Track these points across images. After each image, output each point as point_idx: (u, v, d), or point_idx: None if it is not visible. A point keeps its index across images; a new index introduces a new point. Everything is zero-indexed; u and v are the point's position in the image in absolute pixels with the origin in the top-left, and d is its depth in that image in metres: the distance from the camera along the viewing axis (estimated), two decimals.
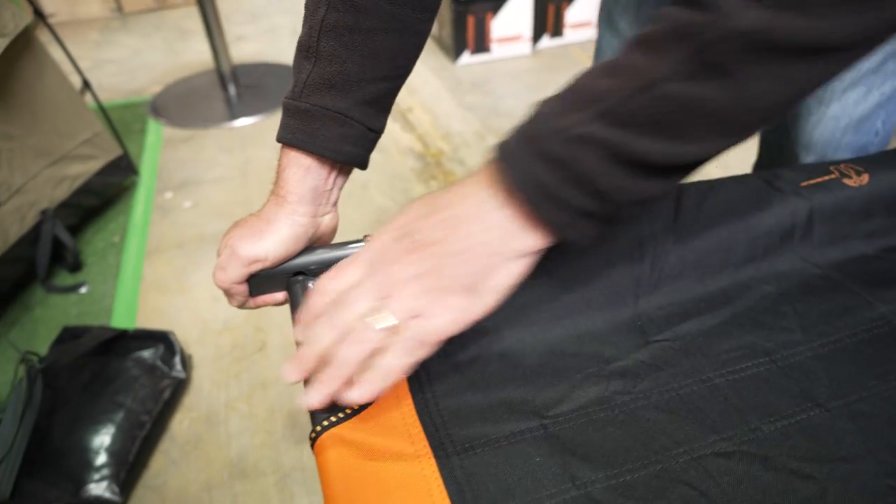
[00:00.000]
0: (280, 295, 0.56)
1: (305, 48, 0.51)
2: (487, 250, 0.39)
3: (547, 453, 0.40)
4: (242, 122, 2.11)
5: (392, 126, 2.01)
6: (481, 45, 2.41)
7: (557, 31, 2.51)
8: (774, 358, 0.47)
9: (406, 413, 0.43)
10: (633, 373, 0.46)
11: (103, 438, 1.01)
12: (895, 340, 0.47)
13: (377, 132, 0.54)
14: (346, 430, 0.40)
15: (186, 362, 1.17)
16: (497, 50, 2.44)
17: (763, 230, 0.55)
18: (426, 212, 0.41)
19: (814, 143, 0.73)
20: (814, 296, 0.52)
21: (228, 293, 0.52)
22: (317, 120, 0.50)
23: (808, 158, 0.74)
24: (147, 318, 1.32)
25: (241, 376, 1.18)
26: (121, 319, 1.32)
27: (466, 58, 2.42)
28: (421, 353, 0.40)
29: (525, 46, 2.46)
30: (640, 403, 0.44)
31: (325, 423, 0.41)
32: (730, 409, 0.43)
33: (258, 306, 0.56)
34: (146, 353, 1.14)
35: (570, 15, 2.48)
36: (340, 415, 0.41)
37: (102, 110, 1.62)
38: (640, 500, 0.37)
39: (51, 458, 0.97)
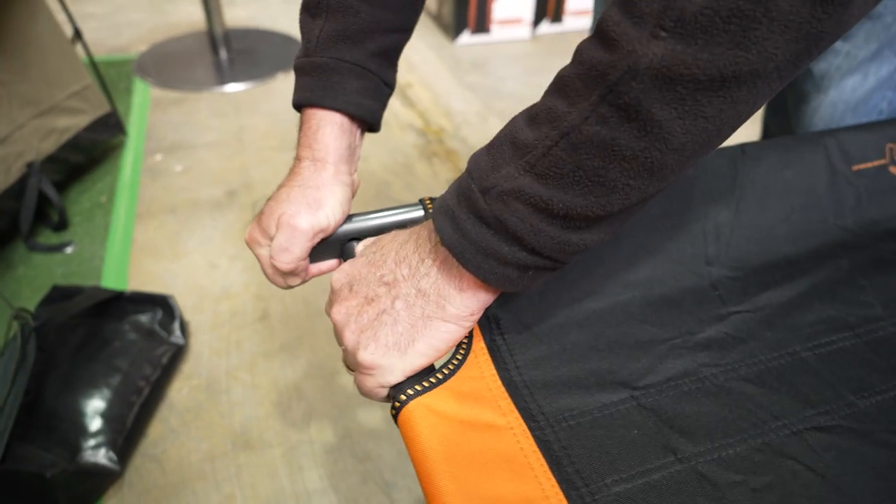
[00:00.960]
0: (333, 262, 0.53)
1: (314, 6, 0.49)
2: (421, 313, 0.38)
3: (643, 426, 0.39)
4: (233, 87, 2.04)
5: (392, 101, 1.97)
6: (482, 26, 2.38)
7: (557, 17, 2.49)
8: (858, 332, 0.46)
9: (492, 384, 0.40)
10: (718, 344, 0.45)
11: (99, 403, 0.96)
12: None
13: (390, 87, 0.53)
14: (432, 399, 0.38)
15: (185, 328, 1.13)
16: (497, 32, 2.40)
17: (819, 210, 0.54)
18: (376, 259, 0.40)
19: (813, 128, 0.75)
20: (887, 271, 0.52)
21: (293, 273, 0.49)
22: (336, 73, 0.49)
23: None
24: (139, 283, 1.26)
25: (242, 345, 1.14)
26: (111, 282, 1.26)
27: (466, 37, 2.39)
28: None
29: (525, 30, 2.43)
30: (730, 376, 0.43)
31: (410, 391, 0.38)
32: (822, 384, 0.42)
33: (311, 277, 0.53)
34: (143, 317, 1.09)
35: (571, 2, 2.46)
36: (425, 383, 0.39)
37: (92, 63, 1.54)
38: (748, 474, 0.36)
39: (44, 422, 0.92)
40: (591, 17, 0.84)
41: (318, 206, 0.48)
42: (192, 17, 2.48)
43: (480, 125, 1.84)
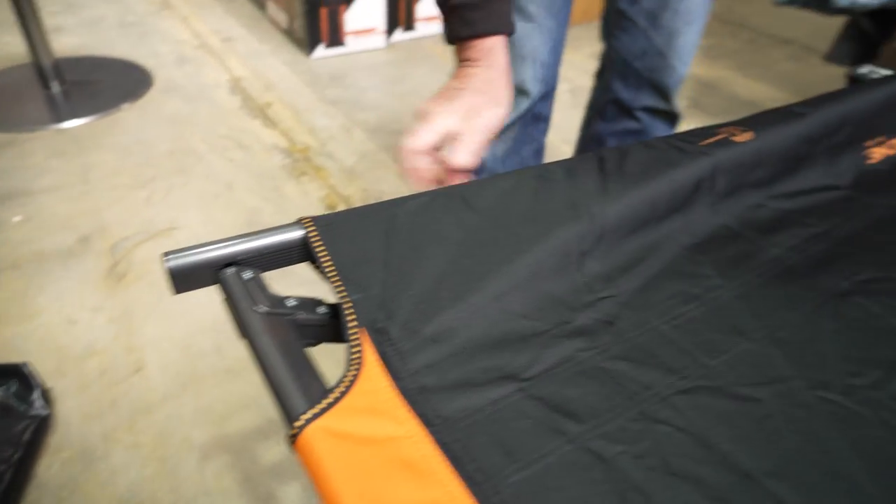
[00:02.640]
0: None
1: None
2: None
3: (534, 415, 0.41)
4: (73, 123, 1.87)
5: (252, 123, 1.90)
6: (336, 39, 2.36)
7: (410, 25, 2.53)
8: (704, 301, 0.52)
9: (386, 395, 0.41)
10: (590, 330, 0.48)
11: None
12: (792, 277, 0.54)
13: None
14: (329, 421, 0.38)
15: (47, 397, 1.02)
16: (352, 43, 2.40)
17: (680, 184, 0.60)
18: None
19: (686, 52, 0.98)
20: (720, 244, 0.58)
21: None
22: (497, 1, 0.60)
23: (682, 65, 0.98)
24: None
25: (117, 403, 1.05)
26: None
27: (321, 51, 2.36)
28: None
29: (379, 39, 2.45)
30: (604, 356, 0.46)
31: (305, 416, 0.38)
32: (680, 351, 0.47)
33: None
34: None
35: (421, 9, 2.51)
36: (320, 406, 0.39)
37: None
38: (630, 443, 0.40)
39: None
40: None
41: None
42: (10, 48, 2.24)
43: (346, 139, 1.83)
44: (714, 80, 2.32)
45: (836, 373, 0.45)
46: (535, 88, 0.93)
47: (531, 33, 0.88)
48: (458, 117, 0.58)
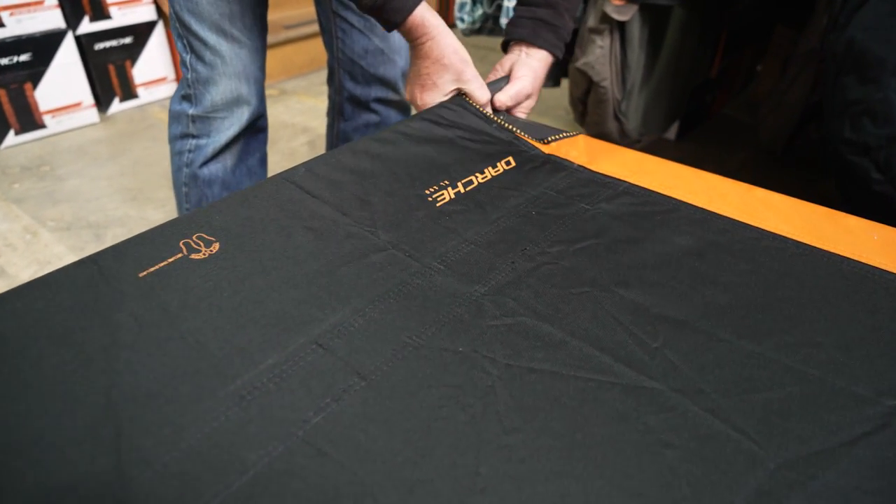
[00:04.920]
0: None
1: None
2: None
3: None
4: None
5: None
6: (29, 121, 2.00)
7: (129, 94, 2.24)
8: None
9: None
10: None
11: None
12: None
13: None
14: None
15: None
16: (53, 124, 2.05)
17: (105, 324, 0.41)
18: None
19: (402, 46, 1.07)
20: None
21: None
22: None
23: (400, 59, 1.08)
24: None
25: None
26: None
27: (12, 138, 1.99)
28: None
29: (90, 114, 2.13)
30: None
31: None
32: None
33: None
34: None
35: (139, 74, 2.23)
36: None
37: None
38: None
39: None
40: (187, 45, 0.95)
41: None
42: None
43: (28, 245, 1.50)
44: None
45: None
46: (253, 100, 0.98)
47: (239, 52, 0.93)
48: (448, 87, 0.71)
